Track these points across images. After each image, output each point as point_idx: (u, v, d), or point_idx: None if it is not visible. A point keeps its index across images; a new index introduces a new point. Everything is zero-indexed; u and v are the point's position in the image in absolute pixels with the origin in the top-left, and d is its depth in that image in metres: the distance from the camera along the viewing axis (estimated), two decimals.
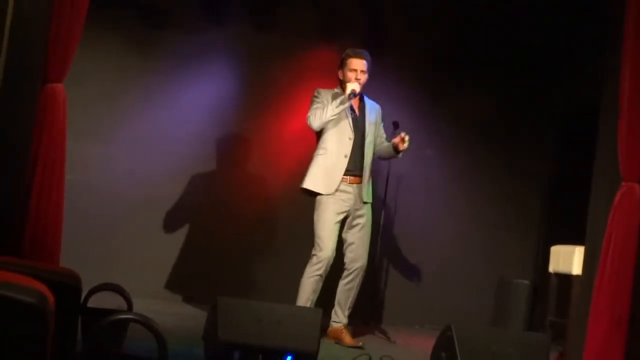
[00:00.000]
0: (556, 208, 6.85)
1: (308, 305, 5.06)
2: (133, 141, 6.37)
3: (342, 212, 5.22)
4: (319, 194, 5.20)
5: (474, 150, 6.84)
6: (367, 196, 5.33)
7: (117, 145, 6.35)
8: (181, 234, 6.43)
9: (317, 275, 5.11)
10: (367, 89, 5.38)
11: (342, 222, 5.26)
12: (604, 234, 4.17)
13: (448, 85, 6.78)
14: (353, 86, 5.17)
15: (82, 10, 4.29)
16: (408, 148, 5.26)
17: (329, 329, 5.26)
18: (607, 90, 4.53)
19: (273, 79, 6.53)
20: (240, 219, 6.51)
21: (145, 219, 6.35)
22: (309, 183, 5.24)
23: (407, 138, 5.22)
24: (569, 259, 5.17)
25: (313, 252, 5.15)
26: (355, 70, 5.24)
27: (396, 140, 5.26)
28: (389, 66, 6.32)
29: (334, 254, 5.17)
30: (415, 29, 6.68)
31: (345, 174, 5.22)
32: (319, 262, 5.10)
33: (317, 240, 5.15)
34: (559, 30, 6.51)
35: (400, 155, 5.34)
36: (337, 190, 5.19)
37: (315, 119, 5.18)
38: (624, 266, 4.07)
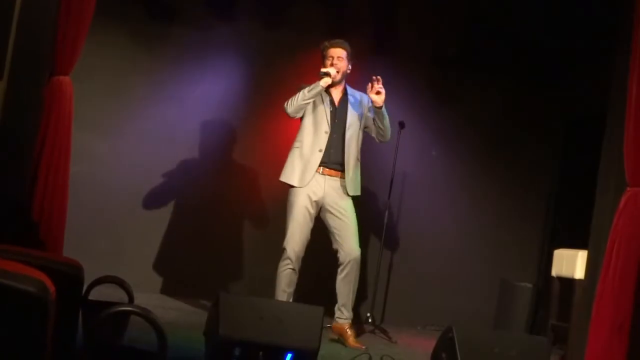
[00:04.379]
0: (560, 212, 6.84)
1: (284, 298, 5.08)
2: (139, 136, 6.38)
3: (314, 202, 5.16)
4: (292, 186, 5.18)
5: (479, 152, 6.83)
6: (352, 190, 5.24)
7: (123, 140, 6.37)
8: (185, 229, 6.44)
9: (289, 268, 5.12)
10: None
11: (318, 216, 5.21)
12: (608, 238, 4.16)
13: (454, 87, 6.78)
14: (327, 69, 5.18)
15: (90, 4, 4.31)
16: (383, 94, 5.07)
17: (334, 323, 5.25)
18: (614, 94, 4.53)
19: (281, 77, 6.51)
20: (245, 215, 6.52)
21: (150, 213, 6.36)
22: (284, 176, 5.24)
23: (377, 82, 5.07)
24: (572, 263, 5.17)
25: (283, 245, 5.14)
26: (332, 57, 5.25)
27: (370, 93, 5.13)
28: (397, 66, 6.32)
29: (304, 246, 5.14)
30: (423, 30, 6.68)
31: (319, 166, 5.18)
32: (289, 255, 5.11)
33: (287, 231, 5.15)
34: (567, 33, 6.49)
35: (383, 109, 5.15)
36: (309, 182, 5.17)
37: (289, 104, 5.18)
38: (627, 271, 4.05)
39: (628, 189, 4.14)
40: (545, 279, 6.38)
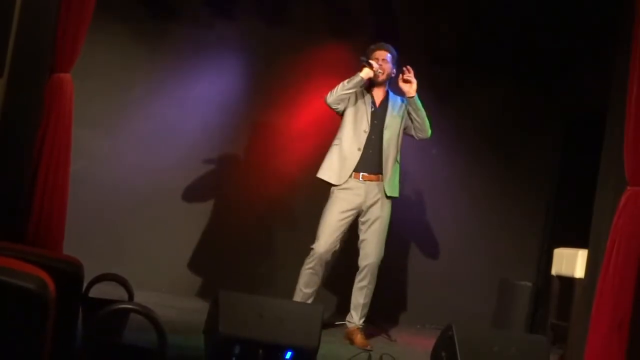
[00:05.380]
0: (560, 210, 6.84)
1: (300, 296, 5.08)
2: (140, 134, 6.38)
3: (351, 210, 5.14)
4: (331, 184, 5.17)
5: (479, 151, 6.83)
6: (390, 190, 5.21)
7: (124, 138, 6.37)
8: (186, 227, 6.43)
9: (310, 269, 5.10)
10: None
11: (355, 221, 5.21)
12: (608, 237, 4.17)
13: (455, 85, 6.77)
14: (370, 60, 5.15)
15: (91, 1, 4.31)
16: (414, 84, 5.11)
17: (345, 329, 5.27)
18: (614, 93, 4.53)
19: (282, 75, 6.52)
20: (245, 213, 6.51)
21: (151, 211, 6.35)
22: (322, 173, 5.21)
23: (408, 72, 5.10)
24: (571, 262, 5.17)
25: (312, 245, 5.13)
26: (377, 59, 5.21)
27: (400, 82, 5.14)
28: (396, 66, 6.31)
29: (331, 251, 5.13)
30: (423, 30, 6.67)
31: (357, 169, 5.15)
32: (313, 256, 5.09)
33: (318, 232, 5.14)
34: (567, 31, 6.48)
35: (416, 99, 5.17)
36: (348, 183, 5.14)
37: (329, 95, 5.14)
38: (626, 270, 4.06)
39: (628, 188, 4.15)
40: (545, 278, 6.37)
